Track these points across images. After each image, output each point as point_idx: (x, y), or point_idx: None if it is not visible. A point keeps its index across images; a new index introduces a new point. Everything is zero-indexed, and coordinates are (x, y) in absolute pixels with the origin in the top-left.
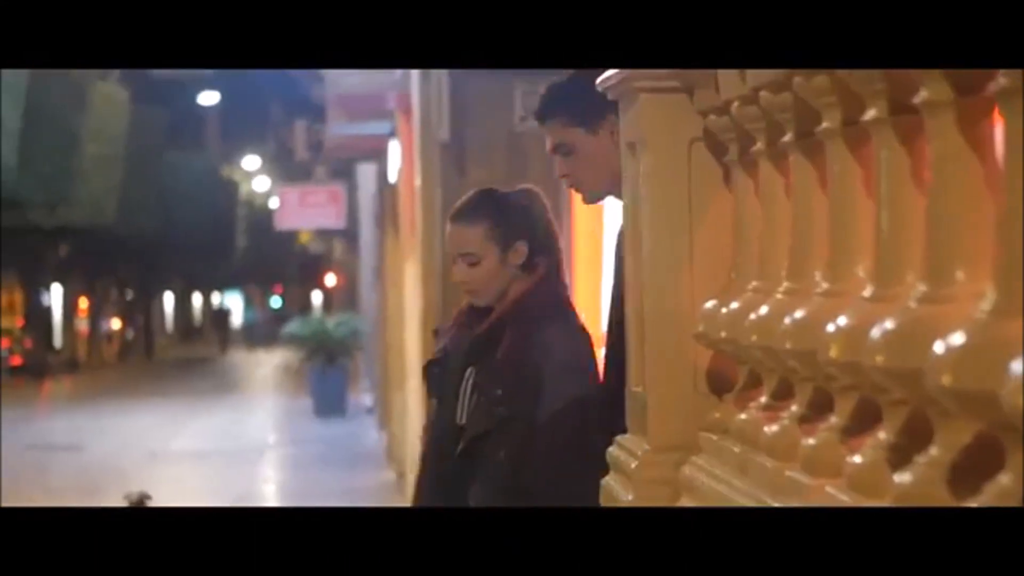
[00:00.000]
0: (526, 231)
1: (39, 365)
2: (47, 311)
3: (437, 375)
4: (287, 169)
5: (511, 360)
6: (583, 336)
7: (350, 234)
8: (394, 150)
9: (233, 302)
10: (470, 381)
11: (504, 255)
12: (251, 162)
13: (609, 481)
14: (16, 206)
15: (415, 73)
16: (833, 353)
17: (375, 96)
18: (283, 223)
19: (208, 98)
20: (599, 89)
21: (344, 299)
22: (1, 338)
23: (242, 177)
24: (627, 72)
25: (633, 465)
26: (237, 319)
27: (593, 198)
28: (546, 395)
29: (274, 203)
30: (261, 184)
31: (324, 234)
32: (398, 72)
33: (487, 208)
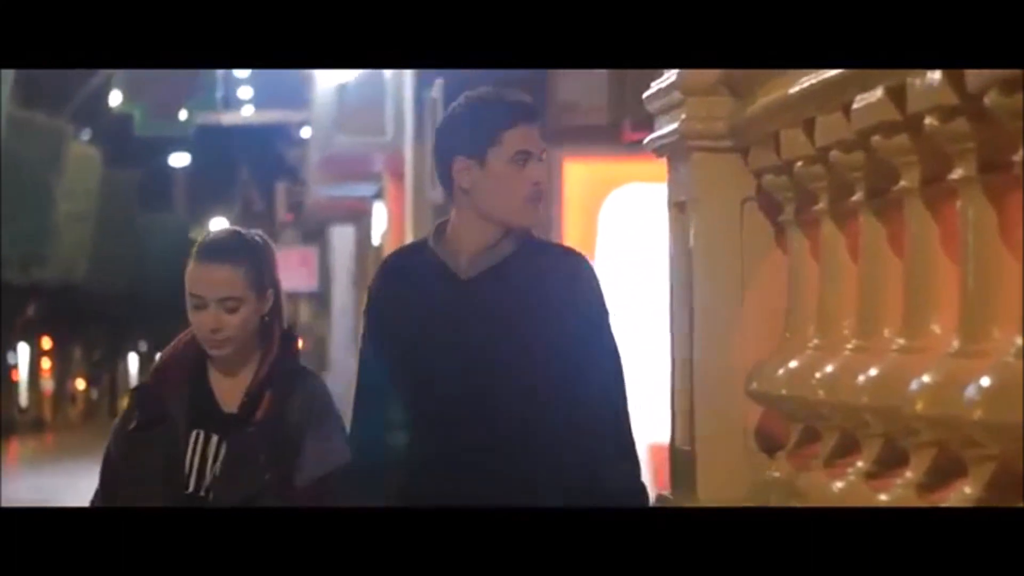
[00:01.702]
0: (274, 278)
1: (5, 424)
2: (10, 370)
3: (161, 435)
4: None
5: (273, 424)
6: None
7: (320, 297)
8: (379, 212)
9: None
10: (212, 447)
11: (259, 303)
12: (219, 223)
13: None
14: None
15: (408, 135)
16: (920, 408)
17: (362, 158)
18: None
19: (178, 160)
20: (645, 144)
21: (311, 361)
22: None
23: None
24: (681, 130)
25: None
26: None
27: (541, 219)
28: (307, 459)
29: None
30: None
31: (290, 297)
32: (388, 134)
33: (247, 248)
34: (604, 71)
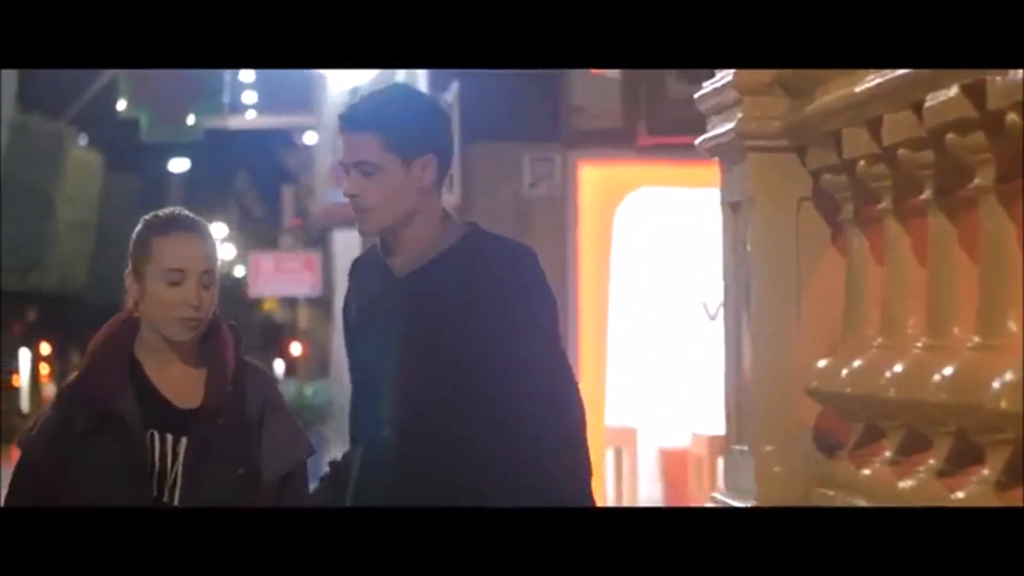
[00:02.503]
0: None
1: (6, 430)
2: (11, 376)
3: (113, 438)
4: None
5: (237, 418)
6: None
7: (322, 302)
8: None
9: None
10: (169, 446)
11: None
12: (217, 230)
13: None
14: None
15: None
16: (1004, 405)
17: None
18: (256, 290)
19: (178, 165)
20: (697, 144)
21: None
22: None
23: None
24: (737, 130)
25: None
26: None
27: (374, 230)
28: (269, 454)
29: (240, 271)
30: (226, 252)
31: (290, 302)
32: None
33: (202, 222)
34: (616, 74)
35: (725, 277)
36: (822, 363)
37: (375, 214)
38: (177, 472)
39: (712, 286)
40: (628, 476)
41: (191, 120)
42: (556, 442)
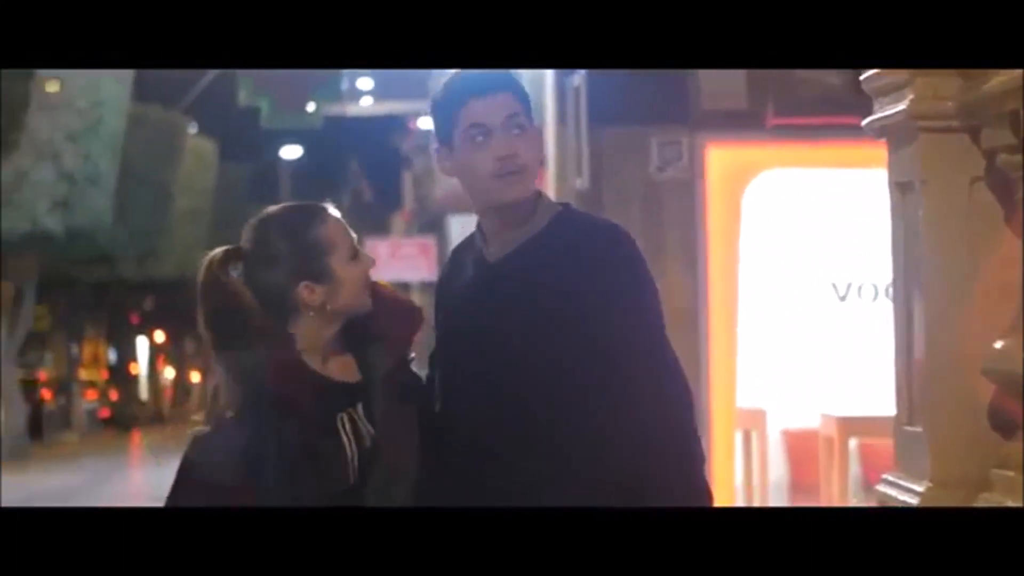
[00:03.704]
0: None
1: (126, 417)
2: (130, 364)
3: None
4: (365, 223)
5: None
6: None
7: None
8: None
9: None
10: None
11: None
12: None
13: None
14: (107, 260)
15: (549, 124)
16: None
17: None
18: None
19: (290, 152)
20: (863, 125)
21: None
22: (87, 390)
23: None
24: (908, 111)
25: (914, 502)
26: None
27: (526, 194)
28: None
29: None
30: None
31: (403, 288)
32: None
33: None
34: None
35: (894, 258)
36: (999, 344)
37: (528, 175)
38: (369, 452)
39: (842, 267)
40: (757, 458)
41: (311, 107)
42: (662, 430)
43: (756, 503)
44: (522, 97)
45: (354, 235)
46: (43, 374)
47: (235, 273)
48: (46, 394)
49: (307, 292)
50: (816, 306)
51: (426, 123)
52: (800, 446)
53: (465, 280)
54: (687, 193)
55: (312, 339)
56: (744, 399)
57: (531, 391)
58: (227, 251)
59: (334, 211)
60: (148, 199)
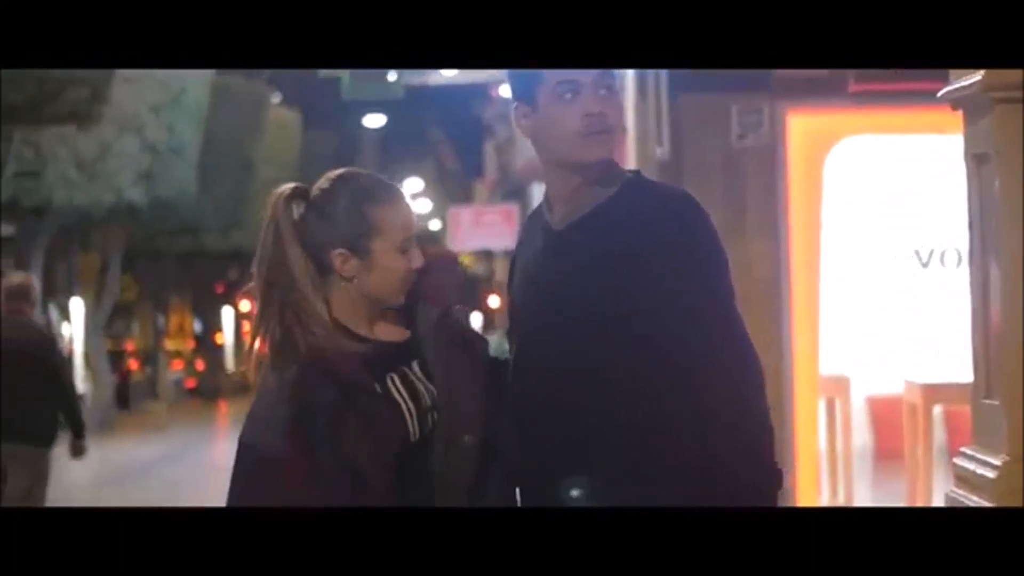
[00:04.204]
0: None
1: (213, 387)
2: (215, 334)
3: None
4: (448, 191)
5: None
6: None
7: None
8: None
9: None
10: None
11: None
12: (413, 184)
13: (955, 495)
14: (192, 231)
15: (629, 92)
16: None
17: None
18: (456, 244)
19: (373, 121)
20: (939, 96)
21: (503, 320)
22: (173, 360)
23: None
24: (981, 82)
25: (991, 476)
26: None
27: (610, 154)
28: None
29: (435, 225)
30: (422, 207)
31: (486, 256)
32: None
33: None
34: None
35: (971, 230)
36: None
37: (612, 137)
38: (434, 401)
39: (925, 233)
40: (841, 425)
41: (392, 77)
42: (726, 407)
43: (840, 470)
44: None
45: (415, 230)
46: (130, 344)
47: (298, 212)
48: (133, 364)
49: (340, 260)
50: (899, 272)
51: (507, 91)
52: (884, 413)
53: (534, 249)
54: (768, 161)
55: (348, 307)
56: (827, 366)
57: (594, 360)
58: (296, 187)
59: (408, 200)
60: (232, 170)
